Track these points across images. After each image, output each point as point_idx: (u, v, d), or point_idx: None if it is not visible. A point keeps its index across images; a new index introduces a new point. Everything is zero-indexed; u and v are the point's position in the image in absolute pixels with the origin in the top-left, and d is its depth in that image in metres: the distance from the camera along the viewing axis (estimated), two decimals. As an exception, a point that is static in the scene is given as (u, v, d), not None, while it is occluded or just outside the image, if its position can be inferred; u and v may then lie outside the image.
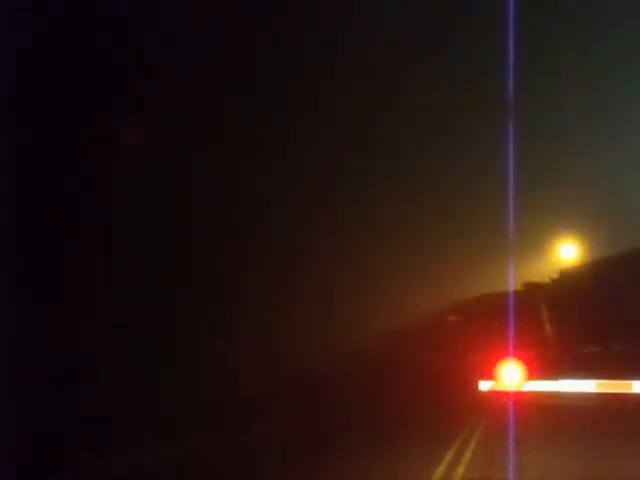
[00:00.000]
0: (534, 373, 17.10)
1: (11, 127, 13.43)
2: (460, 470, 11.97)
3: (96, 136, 16.75)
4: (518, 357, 17.25)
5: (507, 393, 17.40)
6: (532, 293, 18.12)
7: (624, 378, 15.01)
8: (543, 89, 24.38)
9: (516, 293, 18.06)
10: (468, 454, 13.34)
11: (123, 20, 17.39)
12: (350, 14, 22.31)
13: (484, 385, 17.99)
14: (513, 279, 19.27)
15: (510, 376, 17.37)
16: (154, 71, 18.73)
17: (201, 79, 20.32)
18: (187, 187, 20.24)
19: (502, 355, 17.44)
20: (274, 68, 22.36)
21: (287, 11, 21.74)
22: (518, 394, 17.22)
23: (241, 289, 21.91)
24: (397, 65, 24.08)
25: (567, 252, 26.25)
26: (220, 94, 21.06)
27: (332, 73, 23.33)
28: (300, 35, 22.10)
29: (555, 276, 19.10)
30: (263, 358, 21.37)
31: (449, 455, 13.20)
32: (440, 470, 12.00)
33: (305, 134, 23.68)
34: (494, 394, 17.69)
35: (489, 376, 17.80)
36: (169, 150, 19.80)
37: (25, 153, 13.88)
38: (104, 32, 16.85)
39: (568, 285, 17.69)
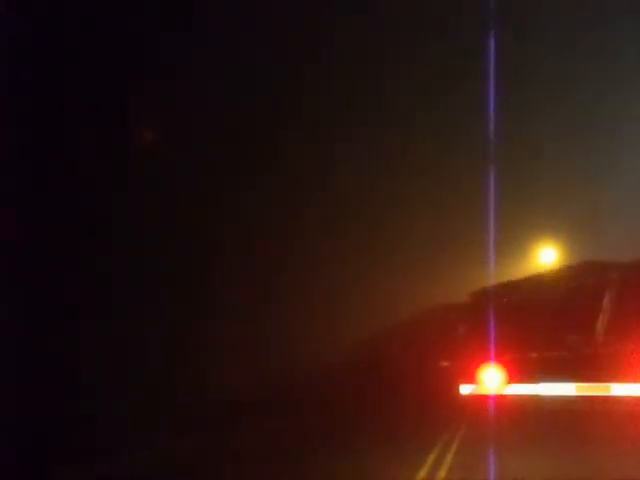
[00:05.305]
0: (515, 376, 17.23)
1: (18, 127, 13.38)
2: (442, 473, 12.05)
3: (101, 138, 16.74)
4: (499, 361, 17.38)
5: (488, 397, 17.52)
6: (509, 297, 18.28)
7: (603, 381, 15.18)
8: (524, 100, 24.80)
9: (496, 297, 18.20)
10: (449, 457, 13.41)
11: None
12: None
13: (465, 389, 18.11)
14: (492, 283, 19.46)
15: (491, 380, 17.50)
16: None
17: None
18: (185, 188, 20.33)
19: (483, 359, 17.56)
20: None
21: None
22: (499, 397, 17.34)
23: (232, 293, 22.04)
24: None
25: (547, 256, 26.46)
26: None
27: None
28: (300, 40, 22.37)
29: (531, 279, 19.26)
30: (246, 362, 21.43)
31: (431, 458, 13.27)
32: (422, 473, 12.07)
33: (303, 136, 23.95)
34: (475, 398, 17.81)
35: (470, 380, 17.92)
36: (168, 153, 19.85)
37: (26, 153, 13.82)
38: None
39: (545, 289, 17.83)
